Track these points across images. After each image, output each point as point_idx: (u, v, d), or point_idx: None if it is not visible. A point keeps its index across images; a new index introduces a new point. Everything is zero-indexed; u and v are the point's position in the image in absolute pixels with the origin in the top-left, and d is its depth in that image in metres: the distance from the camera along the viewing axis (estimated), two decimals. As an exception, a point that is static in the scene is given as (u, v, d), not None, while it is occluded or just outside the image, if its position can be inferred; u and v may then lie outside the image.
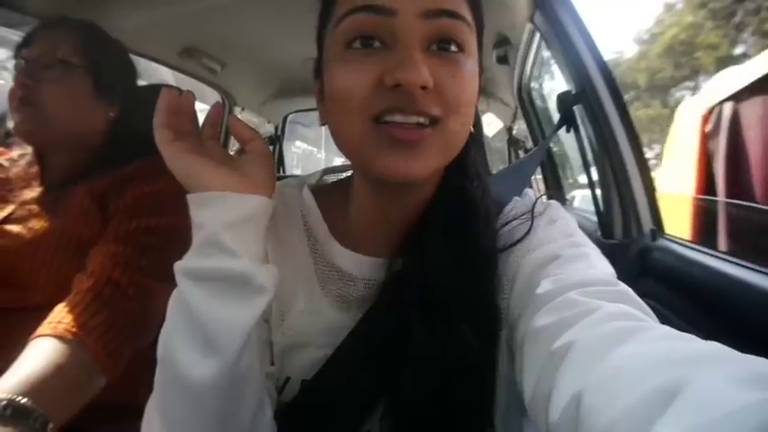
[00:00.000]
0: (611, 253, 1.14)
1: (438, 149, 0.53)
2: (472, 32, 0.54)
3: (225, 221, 0.50)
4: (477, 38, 0.57)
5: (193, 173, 0.52)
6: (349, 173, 0.69)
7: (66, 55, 0.96)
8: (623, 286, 0.48)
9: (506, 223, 0.61)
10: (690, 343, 0.34)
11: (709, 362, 0.29)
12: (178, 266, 0.51)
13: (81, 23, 1.02)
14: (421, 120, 0.51)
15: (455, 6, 0.52)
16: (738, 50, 12.58)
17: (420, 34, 0.50)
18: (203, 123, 0.59)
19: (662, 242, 1.12)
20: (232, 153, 0.61)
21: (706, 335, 0.34)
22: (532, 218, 0.60)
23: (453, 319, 0.54)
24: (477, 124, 0.67)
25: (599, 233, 1.31)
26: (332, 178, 0.75)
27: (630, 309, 0.43)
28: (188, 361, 0.48)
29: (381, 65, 0.50)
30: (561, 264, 0.52)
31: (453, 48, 0.52)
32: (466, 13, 0.53)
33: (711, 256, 0.97)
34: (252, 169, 0.55)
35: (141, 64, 1.30)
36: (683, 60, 13.46)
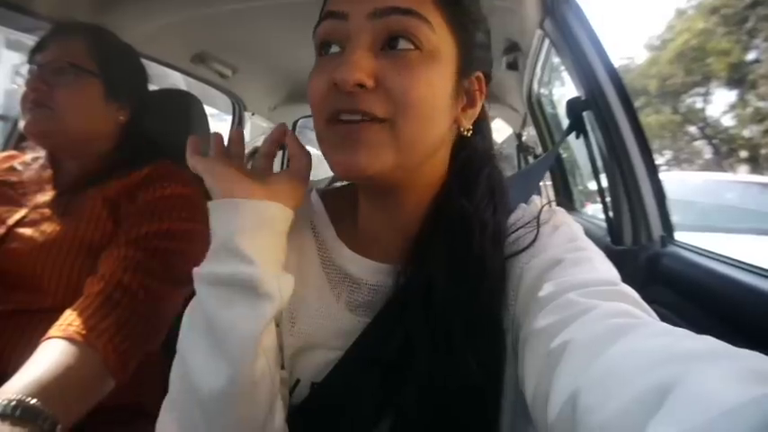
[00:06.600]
0: (620, 259, 1.14)
1: (388, 147, 0.52)
2: (434, 32, 0.53)
3: (237, 227, 0.52)
4: (455, 42, 0.55)
5: (220, 182, 0.55)
6: None
7: (77, 59, 0.97)
8: (623, 286, 0.48)
9: (512, 233, 0.61)
10: (684, 339, 0.34)
11: (704, 358, 0.29)
12: (196, 271, 0.53)
13: (93, 28, 1.04)
14: (364, 118, 0.52)
15: (410, 4, 0.51)
16: (751, 56, 12.48)
17: (370, 35, 0.52)
18: (264, 140, 0.63)
19: (672, 249, 1.11)
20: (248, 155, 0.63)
21: None
22: (538, 226, 0.59)
23: (456, 344, 0.53)
24: (488, 138, 0.67)
25: (608, 240, 1.30)
26: (343, 182, 0.75)
27: (628, 307, 0.43)
28: (200, 366, 0.50)
29: (333, 68, 0.51)
30: (563, 268, 0.52)
31: (403, 44, 0.52)
32: (427, 11, 0.52)
33: (722, 262, 0.96)
34: (278, 184, 0.57)
35: (152, 68, 1.30)
36: (695, 66, 13.37)
